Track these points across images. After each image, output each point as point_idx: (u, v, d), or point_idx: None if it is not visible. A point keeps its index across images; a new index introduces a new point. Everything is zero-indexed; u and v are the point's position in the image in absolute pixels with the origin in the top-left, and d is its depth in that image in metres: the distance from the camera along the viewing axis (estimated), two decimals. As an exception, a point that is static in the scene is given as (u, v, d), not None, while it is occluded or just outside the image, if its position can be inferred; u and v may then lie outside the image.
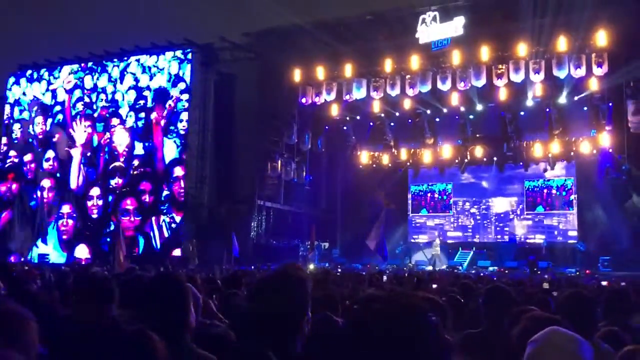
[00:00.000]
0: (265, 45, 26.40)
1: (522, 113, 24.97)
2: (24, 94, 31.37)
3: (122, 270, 11.29)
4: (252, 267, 19.56)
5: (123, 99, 28.63)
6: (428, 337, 1.48)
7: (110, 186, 27.92)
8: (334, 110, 26.10)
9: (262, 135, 26.64)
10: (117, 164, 28.07)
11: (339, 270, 19.10)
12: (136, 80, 28.47)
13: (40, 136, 30.50)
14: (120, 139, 28.30)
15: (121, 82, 28.83)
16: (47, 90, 30.83)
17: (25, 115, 31.19)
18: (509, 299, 4.41)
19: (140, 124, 28.02)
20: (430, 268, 22.45)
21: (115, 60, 29.28)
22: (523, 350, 2.40)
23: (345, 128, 28.48)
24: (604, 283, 12.33)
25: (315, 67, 24.80)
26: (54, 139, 29.83)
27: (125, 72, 28.89)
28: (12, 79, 31.85)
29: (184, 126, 27.09)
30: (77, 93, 29.95)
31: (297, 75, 25.19)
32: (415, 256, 26.45)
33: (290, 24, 25.15)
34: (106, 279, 4.14)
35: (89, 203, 28.26)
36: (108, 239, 26.50)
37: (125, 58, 28.99)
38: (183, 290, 2.87)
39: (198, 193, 26.52)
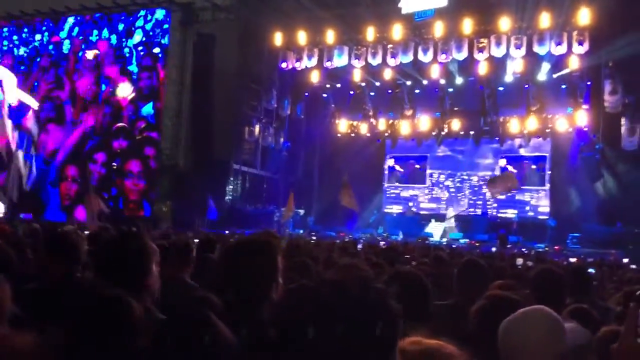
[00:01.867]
0: (246, 6, 25.95)
1: (500, 88, 25.08)
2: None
3: (94, 229, 11.12)
4: (227, 231, 19.55)
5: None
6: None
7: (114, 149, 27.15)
8: (315, 77, 25.91)
9: (240, 99, 26.40)
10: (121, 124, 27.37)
11: (314, 237, 19.22)
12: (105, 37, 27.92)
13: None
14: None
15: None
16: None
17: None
18: (483, 273, 4.45)
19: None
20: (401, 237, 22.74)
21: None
22: (480, 327, 2.43)
23: (325, 95, 28.35)
24: (573, 260, 12.59)
25: (297, 32, 24.53)
26: None
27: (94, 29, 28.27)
28: None
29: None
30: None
31: (278, 39, 24.91)
32: (428, 227, 26.29)
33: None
34: (70, 237, 3.92)
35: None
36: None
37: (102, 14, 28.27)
38: (142, 251, 2.79)
39: (173, 154, 26.28)
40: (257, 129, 26.75)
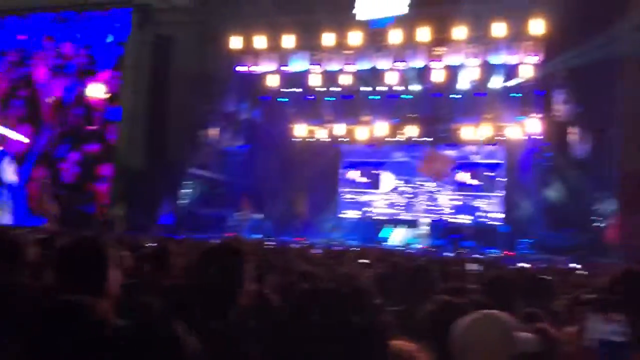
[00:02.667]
0: (205, 9, 25.80)
1: (456, 96, 25.48)
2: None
3: (51, 232, 10.83)
4: (182, 236, 19.32)
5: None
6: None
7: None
8: (273, 81, 25.89)
9: (198, 102, 26.16)
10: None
11: (269, 242, 19.14)
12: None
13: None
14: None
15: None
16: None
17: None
18: (433, 279, 4.50)
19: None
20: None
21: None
22: (429, 331, 2.46)
23: (283, 99, 28.32)
24: (525, 265, 12.86)
25: (255, 36, 24.49)
26: None
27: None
28: None
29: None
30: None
31: (236, 42, 24.80)
32: (401, 233, 26.35)
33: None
34: (12, 240, 3.82)
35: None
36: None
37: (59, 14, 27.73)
38: (97, 255, 2.70)
39: (128, 156, 25.85)
40: (214, 132, 26.53)
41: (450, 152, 27.10)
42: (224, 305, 2.39)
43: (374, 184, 28.57)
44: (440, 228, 25.92)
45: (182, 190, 26.02)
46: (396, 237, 25.41)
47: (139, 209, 23.59)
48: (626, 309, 1.51)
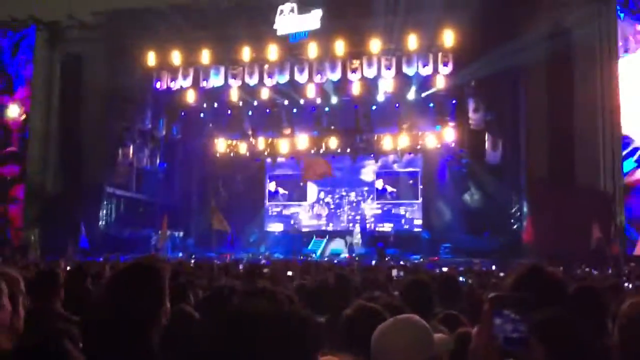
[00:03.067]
0: (116, 26, 25.22)
1: (374, 107, 26.02)
2: None
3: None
4: (101, 258, 18.70)
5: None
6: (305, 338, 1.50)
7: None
8: (191, 97, 25.53)
9: (113, 120, 25.48)
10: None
11: (193, 259, 18.84)
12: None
13: None
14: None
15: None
16: None
17: None
18: (353, 287, 4.56)
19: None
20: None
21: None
22: (347, 337, 2.51)
23: (202, 115, 27.99)
24: (444, 269, 13.21)
25: (171, 52, 24.10)
26: None
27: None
28: None
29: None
30: None
31: (151, 58, 24.32)
32: (333, 244, 26.39)
33: (144, 5, 24.24)
34: None
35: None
36: None
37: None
38: None
39: (41, 179, 24.85)
40: (131, 150, 25.87)
41: (370, 162, 27.61)
42: (142, 326, 2.33)
43: (299, 196, 28.69)
44: (364, 237, 26.30)
45: (101, 212, 25.21)
46: (332, 247, 25.67)
47: (55, 232, 22.65)
48: (527, 305, 1.60)
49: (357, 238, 25.44)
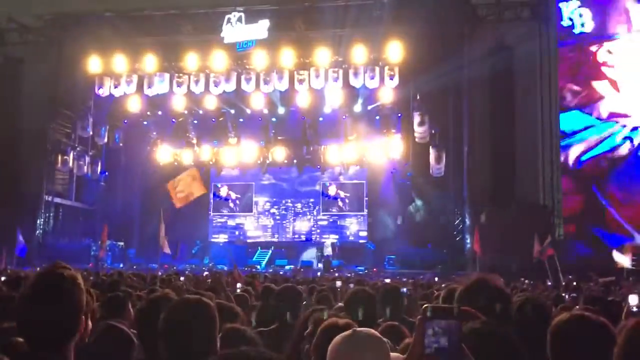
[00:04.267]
0: (59, 29, 24.57)
1: (321, 119, 26.12)
2: None
3: None
4: (38, 268, 18.01)
5: None
6: None
7: None
8: (134, 104, 25.04)
9: (52, 126, 24.76)
10: None
11: (134, 270, 18.36)
12: None
13: None
14: None
15: None
16: None
17: None
18: (299, 298, 4.52)
19: None
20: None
21: None
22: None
23: (145, 123, 27.46)
24: (387, 280, 13.25)
25: (115, 58, 23.59)
26: None
27: None
28: None
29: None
30: None
31: (94, 64, 23.75)
32: (305, 254, 26.02)
33: (89, 9, 23.71)
34: None
35: None
36: None
37: None
38: None
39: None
40: (70, 157, 25.10)
41: (317, 174, 27.62)
42: (60, 341, 2.18)
43: (244, 207, 28.43)
44: (309, 248, 26.27)
45: (38, 220, 24.35)
46: (303, 258, 25.46)
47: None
48: (458, 316, 1.60)
49: (328, 249, 25.12)
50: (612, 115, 21.14)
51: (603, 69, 21.40)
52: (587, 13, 21.59)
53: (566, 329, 2.47)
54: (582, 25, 21.60)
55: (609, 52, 21.37)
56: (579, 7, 21.63)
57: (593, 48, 21.57)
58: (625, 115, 21.05)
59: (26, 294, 2.27)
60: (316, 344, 2.51)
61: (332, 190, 27.56)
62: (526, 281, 14.64)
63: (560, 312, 3.45)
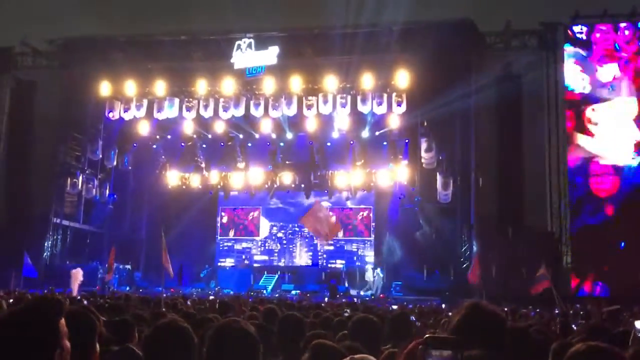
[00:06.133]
0: (71, 54, 24.89)
1: (328, 144, 26.22)
2: None
3: None
4: (45, 290, 18.08)
5: None
6: None
7: None
8: (144, 128, 25.28)
9: (62, 149, 24.99)
10: None
11: (140, 293, 18.37)
12: None
13: None
14: None
15: None
16: None
17: None
18: (301, 327, 4.48)
19: None
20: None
21: None
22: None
23: (154, 147, 27.65)
24: (394, 307, 13.21)
25: (125, 82, 23.90)
26: None
27: None
28: None
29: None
30: None
31: (105, 88, 24.05)
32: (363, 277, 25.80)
33: (100, 34, 24.06)
34: None
35: None
36: None
37: None
38: None
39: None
40: (80, 180, 25.29)
41: (324, 198, 27.61)
42: None
43: (251, 231, 28.44)
44: (316, 273, 26.18)
45: (46, 242, 24.44)
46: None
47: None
48: (458, 346, 1.64)
49: (369, 272, 24.68)
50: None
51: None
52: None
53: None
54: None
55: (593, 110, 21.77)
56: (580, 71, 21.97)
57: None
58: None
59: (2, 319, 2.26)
60: None
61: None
62: (537, 310, 14.51)
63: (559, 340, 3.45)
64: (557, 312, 14.79)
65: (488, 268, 19.57)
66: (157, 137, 26.88)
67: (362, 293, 23.55)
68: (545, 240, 21.63)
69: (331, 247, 27.39)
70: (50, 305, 2.27)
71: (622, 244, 20.62)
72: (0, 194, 24.78)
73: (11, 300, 10.56)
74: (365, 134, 25.15)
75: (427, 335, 1.74)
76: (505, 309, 10.61)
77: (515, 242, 21.07)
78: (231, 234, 28.68)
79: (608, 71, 21.82)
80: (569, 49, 22.19)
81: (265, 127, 24.80)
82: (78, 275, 21.05)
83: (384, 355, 3.62)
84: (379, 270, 24.59)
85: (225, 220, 28.79)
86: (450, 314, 11.53)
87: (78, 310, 2.96)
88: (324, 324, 6.20)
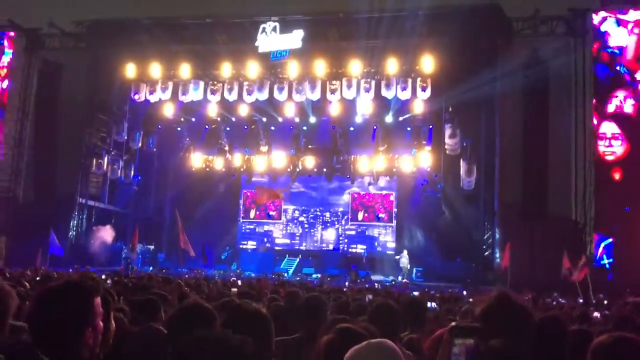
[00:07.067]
0: (97, 36, 25.12)
1: (351, 128, 26.16)
2: None
3: None
4: (70, 269, 18.40)
5: None
6: None
7: None
8: (169, 110, 25.47)
9: (88, 130, 25.29)
10: None
11: (163, 274, 18.61)
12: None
13: None
14: None
15: None
16: None
17: None
18: (324, 308, 4.54)
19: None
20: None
21: None
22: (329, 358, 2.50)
23: (179, 129, 27.88)
24: (416, 293, 13.21)
25: (151, 64, 24.07)
26: None
27: None
28: None
29: None
30: None
31: (130, 70, 24.25)
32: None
33: (126, 17, 24.22)
34: None
35: None
36: None
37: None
38: None
39: (12, 186, 24.49)
40: (105, 161, 25.62)
41: (346, 183, 27.63)
42: (67, 344, 2.25)
43: (274, 214, 28.60)
44: (337, 258, 26.25)
45: (71, 222, 24.84)
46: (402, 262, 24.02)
47: (23, 241, 22.25)
48: (483, 335, 1.64)
49: (404, 259, 23.93)
50: None
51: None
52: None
53: (607, 351, 2.47)
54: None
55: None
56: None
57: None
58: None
59: (34, 296, 2.37)
60: (332, 350, 2.56)
61: (355, 208, 27.54)
62: (560, 299, 14.43)
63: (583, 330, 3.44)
64: (580, 300, 14.70)
65: (511, 256, 19.47)
66: (182, 119, 27.07)
67: (398, 279, 22.98)
68: (570, 228, 21.40)
69: (352, 232, 27.47)
70: (86, 285, 2.35)
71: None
72: (28, 174, 25.20)
73: (37, 278, 10.80)
74: (389, 119, 25.03)
75: (452, 324, 1.76)
76: (526, 298, 10.58)
77: (539, 230, 20.88)
78: (252, 214, 28.80)
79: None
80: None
81: (289, 111, 24.81)
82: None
83: (404, 341, 3.65)
84: (407, 255, 24.38)
85: (247, 202, 28.96)
86: (471, 300, 11.54)
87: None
88: (342, 308, 6.25)
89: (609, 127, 21.17)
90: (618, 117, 21.14)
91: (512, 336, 2.31)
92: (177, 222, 22.40)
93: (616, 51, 21.54)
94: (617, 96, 21.25)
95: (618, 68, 21.46)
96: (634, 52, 21.40)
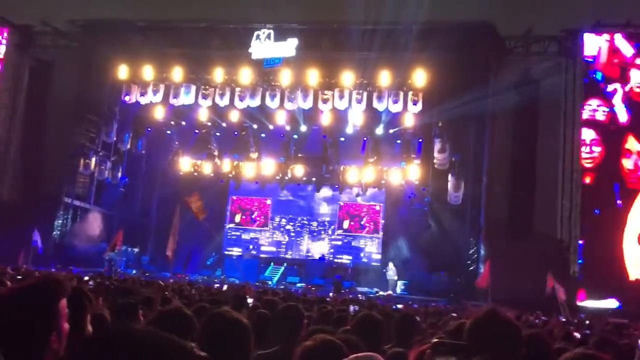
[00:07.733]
0: (90, 35, 25.00)
1: (342, 139, 26.17)
2: None
3: None
4: (53, 268, 18.22)
5: None
6: None
7: None
8: (159, 113, 25.36)
9: (77, 130, 25.11)
10: None
11: (146, 277, 18.48)
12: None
13: None
14: None
15: None
16: None
17: None
18: (301, 318, 4.46)
19: None
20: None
21: None
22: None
23: (169, 132, 27.76)
24: (400, 306, 13.19)
25: (143, 66, 23.99)
26: None
27: None
28: None
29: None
30: None
31: (122, 71, 24.15)
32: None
33: (120, 18, 24.14)
34: None
35: None
36: None
37: None
38: None
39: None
40: (93, 161, 25.44)
41: (335, 193, 27.62)
42: (30, 348, 2.17)
43: (260, 222, 28.50)
44: (322, 267, 26.18)
45: (56, 221, 24.62)
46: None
47: (6, 239, 21.98)
48: (465, 351, 1.61)
49: (390, 272, 23.89)
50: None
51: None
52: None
53: None
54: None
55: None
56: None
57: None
58: None
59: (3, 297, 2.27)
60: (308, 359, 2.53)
61: (342, 218, 27.54)
62: (542, 317, 14.43)
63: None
64: (563, 319, 14.73)
65: (495, 272, 19.52)
66: (172, 122, 26.95)
67: (383, 293, 22.73)
68: (554, 247, 21.52)
69: (339, 242, 27.42)
70: (50, 287, 2.24)
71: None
72: (15, 171, 24.97)
73: (19, 277, 10.67)
74: (379, 131, 25.09)
75: (434, 340, 1.73)
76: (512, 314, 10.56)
77: (523, 248, 20.96)
78: (237, 218, 28.67)
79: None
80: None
81: (280, 119, 24.80)
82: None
83: (390, 355, 3.62)
84: (394, 267, 24.40)
85: (234, 209, 28.85)
86: (453, 314, 11.52)
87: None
88: (324, 318, 6.21)
89: (587, 134, 21.54)
90: (591, 124, 21.46)
91: (500, 353, 2.29)
92: (174, 225, 22.29)
93: (590, 60, 21.86)
94: (590, 104, 21.60)
95: (594, 75, 21.80)
96: (607, 54, 21.77)
